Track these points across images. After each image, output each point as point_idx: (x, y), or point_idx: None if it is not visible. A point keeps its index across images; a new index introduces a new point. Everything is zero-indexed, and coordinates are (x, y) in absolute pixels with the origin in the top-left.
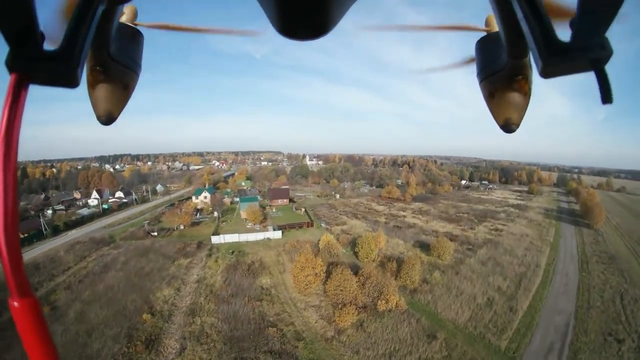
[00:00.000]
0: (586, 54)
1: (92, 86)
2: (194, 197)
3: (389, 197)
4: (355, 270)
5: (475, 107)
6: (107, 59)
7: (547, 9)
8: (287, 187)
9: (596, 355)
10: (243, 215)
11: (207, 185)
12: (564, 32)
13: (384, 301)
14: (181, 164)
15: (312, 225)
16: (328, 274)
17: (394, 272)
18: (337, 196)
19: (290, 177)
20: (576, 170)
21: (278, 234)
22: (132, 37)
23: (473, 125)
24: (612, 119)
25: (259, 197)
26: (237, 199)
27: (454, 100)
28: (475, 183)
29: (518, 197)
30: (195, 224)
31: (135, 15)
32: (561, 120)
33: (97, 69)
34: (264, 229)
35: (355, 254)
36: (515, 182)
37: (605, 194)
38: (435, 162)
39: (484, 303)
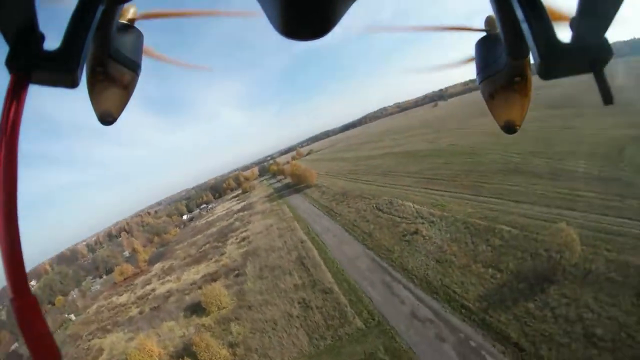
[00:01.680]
0: (586, 54)
1: (92, 86)
2: None
3: (125, 279)
4: None
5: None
6: (107, 59)
7: (547, 9)
8: None
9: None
10: None
11: None
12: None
13: None
14: None
15: None
16: None
17: None
18: (73, 318)
19: None
20: (269, 157)
21: None
22: (132, 37)
23: (170, 159)
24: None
25: None
26: None
27: (139, 146)
28: (196, 211)
29: (239, 201)
30: None
31: (135, 15)
32: (234, 127)
33: (97, 69)
34: None
35: None
36: (228, 192)
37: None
38: (149, 213)
39: (301, 310)
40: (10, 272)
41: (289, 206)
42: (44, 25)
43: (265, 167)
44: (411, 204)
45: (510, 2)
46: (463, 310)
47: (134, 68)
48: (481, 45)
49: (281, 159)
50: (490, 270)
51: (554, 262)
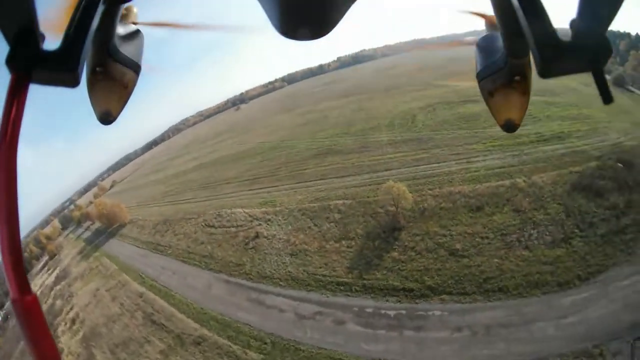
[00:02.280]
0: (586, 53)
1: (92, 86)
2: None
3: None
4: None
5: None
6: (107, 59)
7: (546, 8)
8: None
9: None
10: None
11: None
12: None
13: None
14: None
15: None
16: None
17: None
18: None
19: None
20: (68, 201)
21: None
22: (132, 37)
23: None
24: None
25: None
26: None
27: None
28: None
29: (50, 271)
30: None
31: (135, 15)
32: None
33: (97, 69)
34: None
35: None
36: (33, 262)
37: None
38: None
39: None
40: (11, 271)
41: (109, 256)
42: (44, 25)
43: (68, 216)
44: (241, 210)
45: (510, 2)
46: (341, 287)
47: (134, 68)
48: (481, 44)
49: (82, 201)
50: (343, 242)
51: (394, 213)
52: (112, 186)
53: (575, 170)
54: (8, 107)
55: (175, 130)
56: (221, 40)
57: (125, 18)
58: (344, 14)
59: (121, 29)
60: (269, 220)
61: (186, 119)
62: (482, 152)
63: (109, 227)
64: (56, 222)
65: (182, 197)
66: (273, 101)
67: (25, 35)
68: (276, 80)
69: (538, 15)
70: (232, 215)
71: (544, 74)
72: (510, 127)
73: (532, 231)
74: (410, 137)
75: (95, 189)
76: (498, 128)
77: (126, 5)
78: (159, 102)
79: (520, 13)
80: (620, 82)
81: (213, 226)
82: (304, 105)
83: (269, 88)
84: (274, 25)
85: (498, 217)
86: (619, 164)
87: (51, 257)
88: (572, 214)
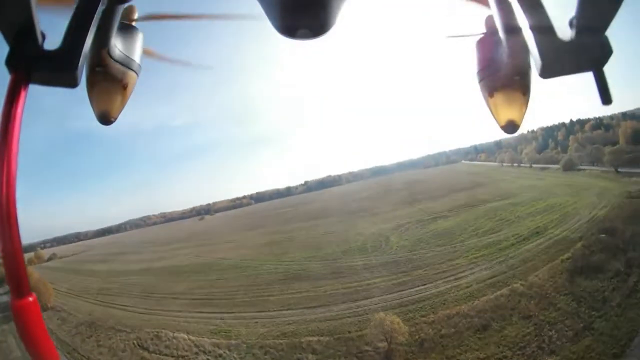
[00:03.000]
0: (586, 53)
1: (91, 86)
2: None
3: None
4: None
5: None
6: (107, 59)
7: (546, 9)
8: None
9: None
10: None
11: None
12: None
13: None
14: None
15: None
16: None
17: None
18: None
19: None
20: None
21: None
22: (132, 37)
23: None
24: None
25: None
26: None
27: None
28: None
29: None
30: None
31: (135, 14)
32: None
33: (97, 69)
34: None
35: None
36: None
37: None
38: None
39: None
40: (11, 273)
41: (15, 338)
42: (44, 25)
43: None
44: (185, 336)
45: (510, 2)
46: None
47: (134, 68)
48: (481, 44)
49: None
50: None
51: (387, 351)
52: (50, 258)
53: (565, 258)
54: (8, 107)
55: (134, 225)
56: (199, 149)
57: (125, 18)
58: (342, 14)
59: (121, 29)
60: (220, 356)
61: (147, 217)
62: (468, 266)
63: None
64: None
65: (119, 301)
66: (239, 217)
67: (25, 35)
68: (244, 197)
69: (538, 15)
70: (174, 340)
71: (544, 74)
72: (511, 128)
73: (550, 333)
74: (387, 259)
75: (32, 254)
76: (477, 239)
77: (126, 5)
78: (124, 190)
79: (520, 13)
80: (570, 167)
81: (147, 349)
82: (270, 225)
83: (236, 203)
84: (273, 25)
85: (509, 330)
86: (602, 235)
87: None
88: (581, 299)
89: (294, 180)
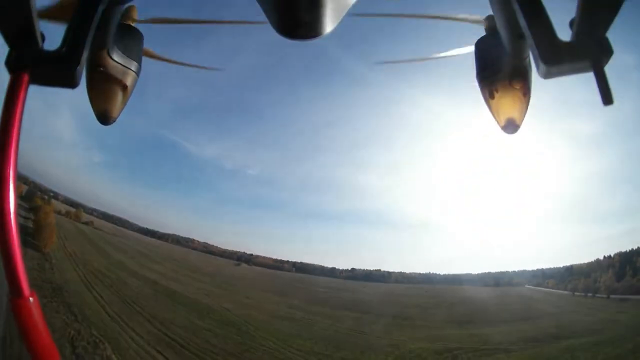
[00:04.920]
0: (587, 53)
1: (91, 86)
2: None
3: None
4: None
5: None
6: (107, 59)
7: (546, 8)
8: None
9: None
10: None
11: None
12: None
13: None
14: None
15: None
16: None
17: None
18: None
19: None
20: (52, 193)
21: None
22: (132, 37)
23: None
24: (105, 165)
25: None
26: None
27: None
28: None
29: None
30: None
31: (135, 14)
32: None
33: (96, 69)
34: None
35: None
36: None
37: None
38: None
39: None
40: (9, 271)
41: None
42: (44, 26)
43: (33, 195)
44: None
45: (510, 2)
46: None
47: (134, 68)
48: (481, 45)
49: (58, 205)
50: None
51: None
52: (85, 222)
53: None
54: (7, 108)
55: (176, 240)
56: (263, 201)
57: (125, 18)
58: (343, 14)
59: (121, 29)
60: None
61: (191, 239)
62: None
63: (33, 237)
64: (22, 187)
65: (97, 289)
66: (272, 277)
67: (25, 35)
68: (287, 262)
69: (538, 15)
70: None
71: (545, 74)
72: (511, 127)
73: None
74: None
75: (73, 210)
76: None
77: (126, 5)
78: (184, 207)
79: (520, 13)
80: None
81: (63, 355)
82: (299, 298)
83: (277, 264)
84: (272, 25)
85: None
86: None
87: None
88: None
89: (341, 263)
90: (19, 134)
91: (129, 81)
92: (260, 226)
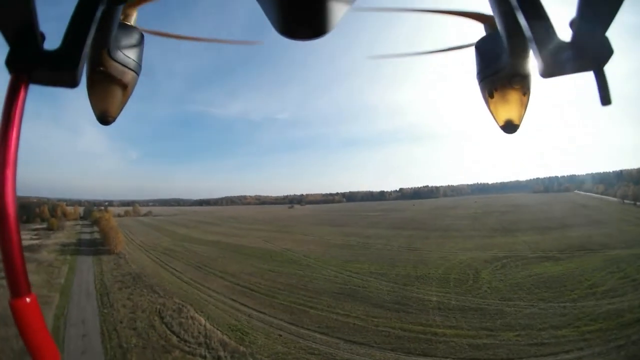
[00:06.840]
0: (587, 53)
1: (91, 86)
2: None
3: None
4: None
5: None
6: (107, 59)
7: (546, 8)
8: None
9: None
10: None
11: None
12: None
13: None
14: None
15: None
16: None
17: None
18: None
19: None
20: (107, 202)
21: None
22: (133, 37)
23: None
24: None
25: None
26: None
27: None
28: None
29: (34, 237)
30: None
31: (135, 15)
32: (93, 156)
33: (97, 69)
34: None
35: None
36: (37, 220)
37: (134, 220)
38: None
39: None
40: (10, 271)
41: (71, 269)
42: (44, 26)
43: (90, 211)
44: (203, 320)
45: (510, 2)
46: None
47: (134, 68)
48: (481, 44)
49: (116, 209)
50: None
51: None
52: (145, 214)
53: None
54: (7, 108)
55: (230, 201)
56: (300, 142)
57: (125, 18)
58: (343, 14)
59: (121, 29)
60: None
61: (244, 196)
62: (576, 342)
63: (101, 245)
64: (79, 210)
65: (173, 264)
66: (325, 212)
67: (25, 35)
68: (337, 194)
69: (538, 15)
70: (190, 320)
71: (545, 73)
72: (509, 127)
73: None
74: (470, 304)
75: (131, 208)
76: (594, 301)
77: (126, 5)
78: (228, 169)
79: (520, 13)
80: None
81: (163, 318)
82: (352, 225)
83: (328, 199)
84: (273, 25)
85: None
86: None
87: (48, 228)
88: None
89: (389, 185)
90: (19, 134)
91: (129, 81)
92: (302, 165)
